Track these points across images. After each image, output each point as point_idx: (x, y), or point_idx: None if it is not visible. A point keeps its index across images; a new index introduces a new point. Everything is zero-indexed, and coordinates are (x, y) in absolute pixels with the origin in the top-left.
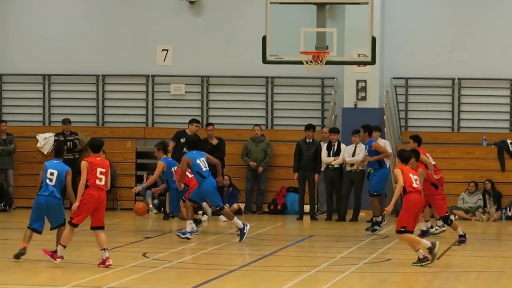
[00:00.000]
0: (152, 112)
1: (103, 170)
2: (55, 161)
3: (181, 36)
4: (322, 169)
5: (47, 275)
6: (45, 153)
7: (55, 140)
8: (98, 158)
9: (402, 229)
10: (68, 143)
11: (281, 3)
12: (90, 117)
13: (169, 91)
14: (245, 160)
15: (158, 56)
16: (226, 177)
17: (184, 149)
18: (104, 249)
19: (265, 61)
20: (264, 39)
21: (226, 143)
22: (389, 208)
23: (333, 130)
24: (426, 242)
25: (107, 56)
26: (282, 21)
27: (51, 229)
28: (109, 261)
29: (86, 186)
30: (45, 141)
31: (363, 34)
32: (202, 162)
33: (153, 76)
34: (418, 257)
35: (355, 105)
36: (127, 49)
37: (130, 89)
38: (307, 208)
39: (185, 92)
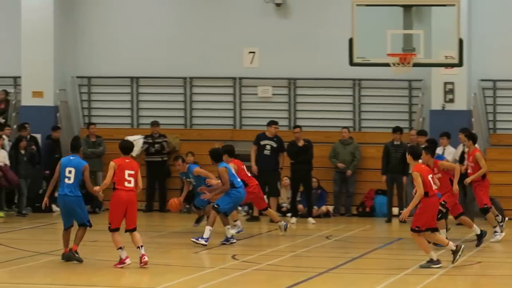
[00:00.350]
0: (240, 114)
1: (132, 172)
2: (71, 157)
3: (268, 39)
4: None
5: (135, 277)
6: (134, 155)
7: (144, 142)
8: (127, 160)
9: (417, 229)
10: (156, 145)
11: (367, 5)
12: (178, 119)
13: (257, 94)
14: (333, 162)
15: (245, 58)
16: (314, 180)
17: (266, 151)
18: (139, 246)
19: (352, 63)
20: (351, 41)
21: (314, 146)
22: (405, 213)
23: (421, 133)
24: (451, 244)
25: (194, 59)
26: (369, 23)
27: (79, 226)
28: (128, 261)
29: (115, 188)
30: (134, 143)
31: (450, 36)
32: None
33: (240, 78)
34: (431, 259)
35: (443, 107)
36: (215, 51)
37: (217, 91)
38: (395, 210)
39: (272, 94)
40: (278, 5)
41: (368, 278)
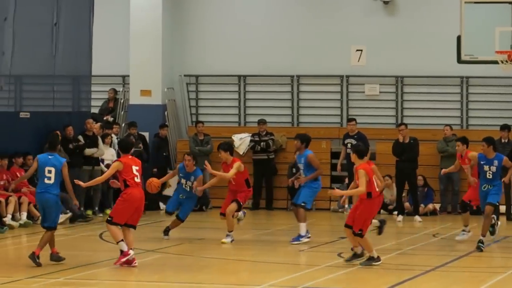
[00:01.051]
0: (347, 112)
1: (137, 168)
2: (49, 156)
3: (375, 37)
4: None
5: (242, 275)
6: (241, 153)
7: (250, 140)
8: (130, 157)
9: (360, 232)
10: (262, 143)
11: (476, 2)
12: (285, 117)
13: (364, 91)
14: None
15: (353, 56)
16: (420, 178)
17: (348, 150)
18: (131, 248)
19: (460, 60)
20: (459, 38)
21: (420, 143)
22: (337, 192)
23: None
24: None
25: (301, 57)
26: (477, 21)
27: (42, 226)
28: (135, 263)
29: (127, 186)
30: (241, 141)
31: None
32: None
33: (347, 76)
34: (371, 256)
35: None
36: (322, 50)
37: (324, 89)
38: (502, 208)
39: (380, 92)
40: (385, 2)
41: (474, 277)
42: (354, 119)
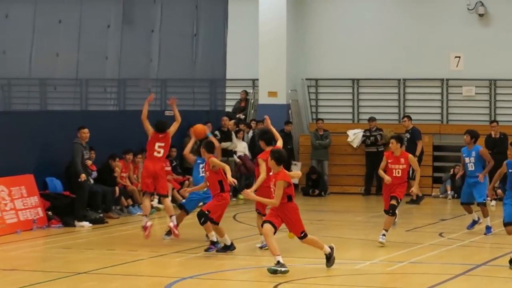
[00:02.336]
0: (447, 111)
1: (162, 145)
2: None
3: (472, 45)
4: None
5: (356, 251)
6: (354, 146)
7: (362, 135)
8: (160, 136)
9: (302, 234)
10: (372, 137)
11: None
12: (393, 115)
13: (461, 93)
14: None
15: (452, 62)
16: None
17: (405, 143)
18: (170, 216)
19: None
20: None
21: (510, 138)
22: (250, 197)
23: None
24: (326, 248)
25: (407, 62)
26: None
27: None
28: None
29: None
30: (354, 136)
31: None
32: None
33: (447, 79)
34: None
35: None
36: (425, 56)
37: (427, 91)
38: None
39: (475, 93)
40: (481, 15)
41: None
42: (407, 116)
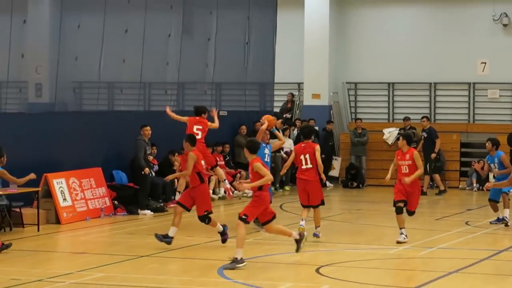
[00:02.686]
0: (473, 111)
1: (200, 127)
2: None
3: (497, 52)
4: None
5: (388, 238)
6: (389, 143)
7: (398, 133)
8: (197, 118)
9: (244, 217)
10: None
11: None
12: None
13: (486, 95)
14: None
15: (478, 67)
16: None
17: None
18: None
19: None
20: None
21: None
22: (246, 186)
23: None
24: (294, 233)
25: (437, 68)
26: None
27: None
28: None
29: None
30: (389, 134)
31: None
32: None
33: (474, 83)
34: (236, 257)
35: None
36: (453, 62)
37: (455, 93)
38: None
39: (499, 96)
40: (505, 25)
41: None
42: (426, 117)
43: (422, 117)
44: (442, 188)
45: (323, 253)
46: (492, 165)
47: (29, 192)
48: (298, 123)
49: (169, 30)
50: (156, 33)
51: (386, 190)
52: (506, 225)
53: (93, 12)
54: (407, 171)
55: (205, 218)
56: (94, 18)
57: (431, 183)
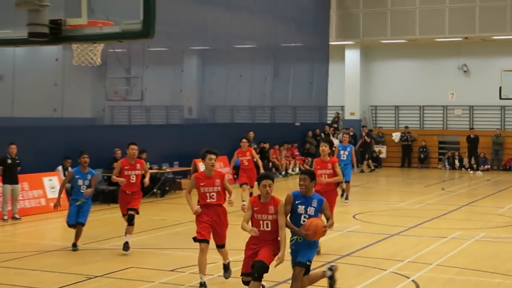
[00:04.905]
0: (446, 122)
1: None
2: None
3: (460, 86)
4: None
5: (434, 226)
6: (396, 141)
7: (400, 135)
8: None
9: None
10: (405, 137)
11: None
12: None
13: (453, 113)
14: None
15: (449, 96)
16: None
17: None
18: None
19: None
20: None
21: None
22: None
23: None
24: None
25: (424, 96)
26: None
27: None
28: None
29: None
30: (395, 136)
31: None
32: None
33: (446, 106)
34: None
35: None
36: (434, 92)
37: (435, 111)
38: None
39: (462, 113)
40: (465, 71)
41: None
42: (406, 126)
43: (405, 127)
44: None
45: (357, 206)
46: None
47: (186, 170)
48: (343, 130)
49: (266, 75)
50: (257, 76)
51: (396, 170)
52: None
53: (221, 65)
54: None
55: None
56: (221, 68)
57: None
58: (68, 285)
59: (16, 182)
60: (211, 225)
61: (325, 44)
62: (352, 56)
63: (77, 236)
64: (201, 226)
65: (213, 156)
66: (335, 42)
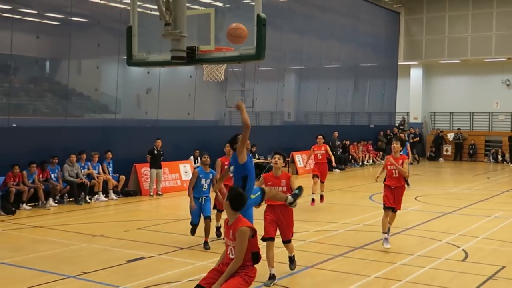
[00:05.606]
0: (491, 125)
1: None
2: None
3: (503, 97)
4: None
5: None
6: (450, 140)
7: (454, 135)
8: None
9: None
10: (457, 136)
11: None
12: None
13: (498, 118)
14: None
15: (494, 104)
16: None
17: None
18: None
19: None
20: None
21: None
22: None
23: None
24: None
25: (474, 104)
26: None
27: None
28: None
29: None
30: (450, 135)
31: None
32: None
33: (491, 112)
34: None
35: None
36: (482, 102)
37: (483, 118)
38: None
39: (504, 118)
40: (508, 85)
41: None
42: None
43: (458, 129)
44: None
45: (418, 191)
46: None
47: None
48: (408, 132)
49: (348, 88)
50: (342, 89)
51: (450, 162)
52: None
53: (313, 80)
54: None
55: None
56: (313, 83)
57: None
58: (199, 244)
59: (160, 167)
60: (276, 223)
61: (394, 64)
62: (416, 73)
63: (207, 232)
64: (267, 224)
65: (279, 157)
66: (402, 62)
